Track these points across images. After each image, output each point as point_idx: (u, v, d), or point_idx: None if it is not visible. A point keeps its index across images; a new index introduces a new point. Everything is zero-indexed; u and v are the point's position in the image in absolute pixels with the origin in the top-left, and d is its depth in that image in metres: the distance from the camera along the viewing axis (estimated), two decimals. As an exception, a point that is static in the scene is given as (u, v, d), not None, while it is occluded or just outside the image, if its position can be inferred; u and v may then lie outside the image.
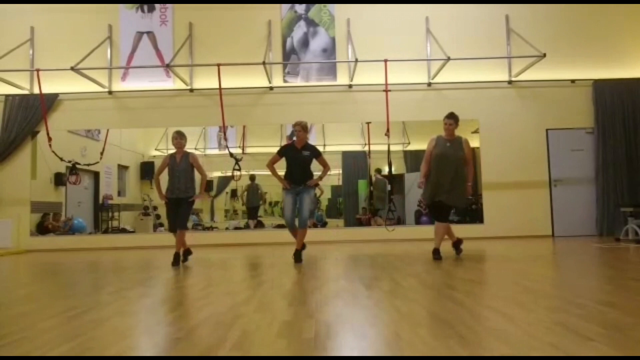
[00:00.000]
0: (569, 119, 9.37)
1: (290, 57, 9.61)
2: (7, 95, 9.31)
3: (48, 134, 8.68)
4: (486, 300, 3.15)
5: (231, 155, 8.09)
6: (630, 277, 3.99)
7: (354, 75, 9.22)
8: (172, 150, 6.03)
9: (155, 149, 11.71)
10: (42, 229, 9.61)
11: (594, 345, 2.04)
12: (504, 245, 7.60)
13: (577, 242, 7.75)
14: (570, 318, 2.52)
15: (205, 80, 9.29)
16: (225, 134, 8.74)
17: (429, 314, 2.69)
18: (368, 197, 10.64)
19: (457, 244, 6.04)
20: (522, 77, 9.30)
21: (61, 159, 8.98)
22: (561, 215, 9.21)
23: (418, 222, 10.20)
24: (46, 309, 3.19)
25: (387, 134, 8.06)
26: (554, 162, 9.33)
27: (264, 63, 8.66)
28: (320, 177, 6.12)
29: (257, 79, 9.26)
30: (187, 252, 6.18)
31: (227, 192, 12.33)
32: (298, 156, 5.82)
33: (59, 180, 10.19)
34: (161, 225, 10.93)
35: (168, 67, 8.89)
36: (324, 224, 11.43)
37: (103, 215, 11.29)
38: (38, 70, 8.68)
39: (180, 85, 9.44)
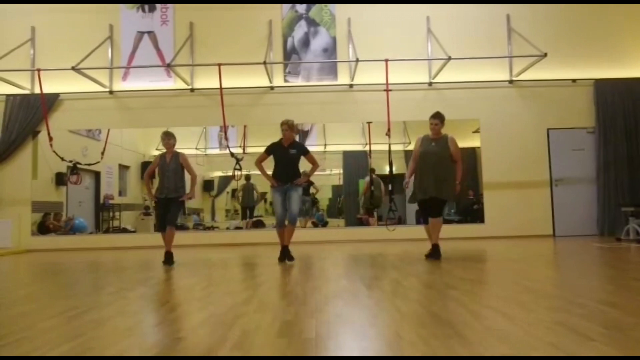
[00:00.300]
0: (569, 118, 9.37)
1: (291, 56, 9.60)
2: (8, 95, 9.32)
3: (49, 133, 8.68)
4: (487, 300, 3.14)
5: (232, 155, 8.09)
6: (631, 276, 3.99)
7: (354, 75, 9.22)
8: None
9: (156, 149, 11.69)
10: (43, 228, 9.62)
11: (595, 345, 2.03)
12: (504, 245, 7.60)
13: (578, 242, 7.74)
14: (571, 318, 2.52)
15: (206, 80, 9.29)
16: (226, 134, 8.73)
17: (429, 314, 2.69)
18: (365, 197, 10.62)
19: (435, 249, 5.66)
20: (523, 76, 9.29)
21: (62, 159, 8.98)
22: (562, 215, 9.20)
23: (419, 222, 10.18)
24: (46, 308, 3.19)
25: (388, 133, 8.05)
26: (554, 162, 9.32)
27: (264, 63, 8.66)
28: (308, 175, 6.12)
29: (257, 79, 9.27)
30: (169, 257, 5.99)
31: (227, 192, 12.32)
32: (285, 154, 5.81)
33: (60, 180, 10.19)
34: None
35: (169, 67, 8.90)
36: (324, 224, 11.43)
37: (104, 215, 11.29)
38: (39, 70, 8.68)
39: (181, 85, 9.44)
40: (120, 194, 11.78)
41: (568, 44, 9.42)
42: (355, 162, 11.17)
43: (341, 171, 11.63)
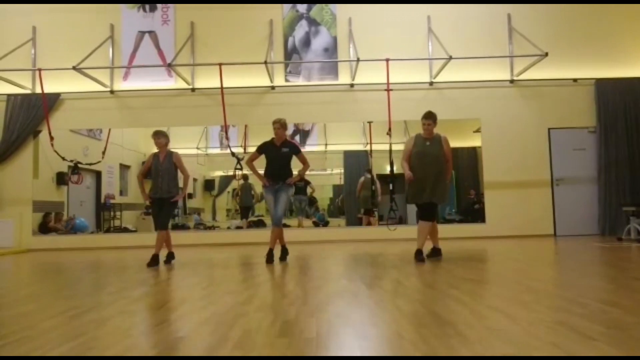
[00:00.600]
0: (571, 118, 9.36)
1: (292, 56, 9.60)
2: (9, 95, 9.33)
3: (50, 133, 8.69)
4: (488, 299, 3.14)
5: (233, 154, 8.09)
6: (632, 276, 3.98)
7: (355, 75, 9.21)
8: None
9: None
10: (44, 228, 9.63)
11: (596, 345, 2.03)
12: (505, 244, 7.59)
13: (579, 242, 7.73)
14: (572, 317, 2.51)
15: (207, 80, 9.29)
16: (227, 134, 8.73)
17: (430, 314, 2.69)
18: (361, 197, 10.62)
19: (436, 252, 5.67)
20: (524, 76, 9.28)
21: (63, 159, 8.99)
22: (563, 214, 9.20)
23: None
24: (47, 308, 3.19)
25: (389, 133, 8.05)
26: (556, 162, 9.31)
27: (265, 62, 8.66)
28: (299, 175, 6.10)
29: (258, 79, 9.26)
30: (170, 256, 6.03)
31: (228, 192, 12.33)
32: (277, 153, 5.78)
33: (61, 179, 10.21)
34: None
35: (170, 67, 8.90)
36: (325, 224, 11.43)
37: (105, 215, 11.30)
38: (40, 70, 8.69)
39: (181, 84, 9.44)
40: (121, 193, 11.79)
41: (569, 43, 9.40)
42: (356, 162, 11.17)
43: (342, 171, 11.63)
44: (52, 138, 8.68)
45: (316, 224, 11.33)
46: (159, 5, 9.67)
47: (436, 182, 5.42)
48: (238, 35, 9.54)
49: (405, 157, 5.62)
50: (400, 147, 10.92)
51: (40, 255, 8.00)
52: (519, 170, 9.26)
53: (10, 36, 9.34)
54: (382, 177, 10.50)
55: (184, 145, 11.36)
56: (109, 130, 10.16)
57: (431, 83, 9.38)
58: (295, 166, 5.99)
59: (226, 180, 12.28)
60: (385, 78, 8.31)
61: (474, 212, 10.15)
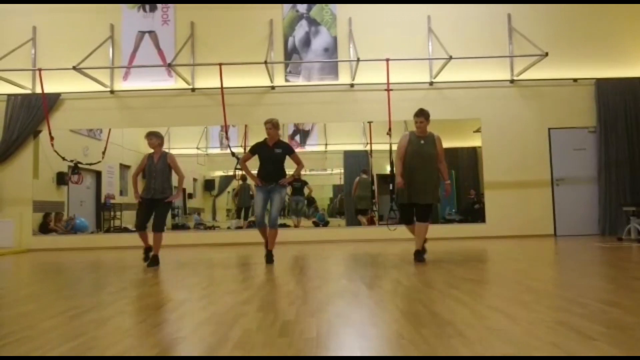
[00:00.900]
0: (571, 118, 9.35)
1: (292, 56, 9.60)
2: (9, 95, 9.33)
3: (50, 133, 8.69)
4: (488, 299, 3.14)
5: (233, 154, 8.09)
6: (632, 276, 3.98)
7: (355, 75, 9.21)
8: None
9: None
10: (44, 229, 9.63)
11: (596, 345, 2.03)
12: (505, 244, 7.59)
13: (579, 242, 7.73)
14: (572, 317, 2.51)
15: (207, 80, 9.29)
16: (227, 134, 8.73)
17: (430, 313, 2.69)
18: (357, 197, 10.62)
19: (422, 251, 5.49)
20: (524, 76, 9.28)
21: (63, 159, 8.99)
22: (563, 214, 9.20)
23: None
24: (47, 308, 3.19)
25: (389, 133, 8.05)
26: (556, 162, 9.31)
27: (265, 62, 8.66)
28: (293, 175, 6.03)
29: (258, 79, 9.26)
30: (155, 260, 5.78)
31: (228, 192, 12.33)
32: (270, 154, 5.71)
33: (61, 179, 10.21)
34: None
35: (170, 67, 8.90)
36: (325, 224, 11.43)
37: (105, 215, 11.30)
38: (40, 70, 8.69)
39: (182, 84, 9.44)
40: (121, 193, 11.79)
41: (569, 43, 9.40)
42: (356, 162, 11.17)
43: (342, 171, 11.63)
44: (52, 138, 8.69)
45: (316, 224, 11.32)
46: (159, 5, 9.67)
47: (428, 183, 5.32)
48: (238, 35, 9.54)
49: (400, 155, 5.48)
50: (401, 147, 10.86)
51: (40, 255, 8.00)
52: (519, 170, 9.26)
53: (10, 36, 9.34)
54: (382, 177, 10.50)
55: (184, 145, 11.36)
56: (109, 130, 10.16)
57: (431, 83, 9.38)
58: (292, 167, 5.94)
59: (226, 180, 12.27)
60: (385, 78, 8.31)
61: (474, 212, 10.15)
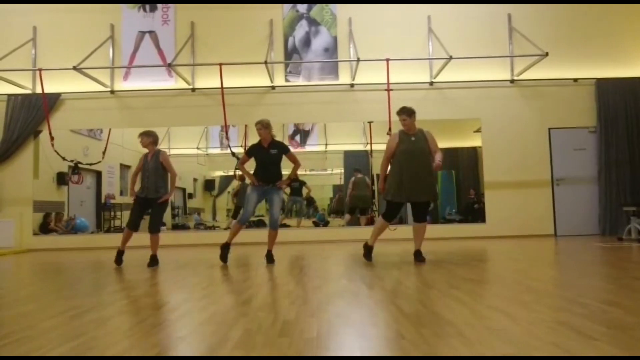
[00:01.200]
0: (571, 118, 9.35)
1: (292, 56, 9.60)
2: (9, 95, 9.33)
3: (50, 133, 8.69)
4: (488, 299, 3.14)
5: (233, 154, 8.09)
6: (633, 276, 3.98)
7: (355, 75, 9.21)
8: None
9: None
10: (45, 229, 9.63)
11: (597, 345, 2.03)
12: (506, 244, 7.59)
13: (579, 242, 7.73)
14: (572, 317, 2.51)
15: (207, 80, 9.29)
16: (227, 134, 8.73)
17: (431, 313, 2.69)
18: (354, 197, 10.62)
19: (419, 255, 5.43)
20: (524, 76, 9.28)
21: (63, 159, 8.99)
22: (563, 214, 9.19)
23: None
24: (48, 308, 3.19)
25: (389, 133, 8.04)
26: (556, 162, 9.31)
27: (265, 62, 8.66)
28: (289, 177, 5.98)
29: (259, 79, 9.27)
30: (154, 260, 5.89)
31: (228, 192, 12.33)
32: (266, 155, 5.64)
33: (61, 179, 10.21)
34: (163, 224, 10.93)
35: (170, 67, 8.90)
36: (325, 224, 11.43)
37: (105, 215, 11.30)
38: (40, 70, 8.69)
39: (182, 84, 9.45)
40: (121, 193, 11.79)
41: (569, 43, 9.40)
42: (356, 162, 11.17)
43: (342, 171, 11.63)
44: (52, 138, 8.69)
45: (316, 224, 11.32)
46: (159, 5, 9.67)
47: (425, 181, 5.22)
48: (238, 35, 9.54)
49: (387, 156, 5.38)
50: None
51: (40, 255, 8.00)
52: (520, 170, 9.26)
53: (10, 36, 9.34)
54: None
55: (184, 145, 11.36)
56: (109, 130, 10.16)
57: (431, 83, 9.38)
58: (290, 166, 5.90)
59: (226, 180, 12.27)
60: (385, 78, 8.30)
61: (474, 212, 10.15)
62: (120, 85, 9.54)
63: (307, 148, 11.04)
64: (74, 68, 8.42)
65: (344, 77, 9.47)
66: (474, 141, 10.12)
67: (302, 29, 9.65)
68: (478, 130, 9.53)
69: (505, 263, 5.24)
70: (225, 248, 5.78)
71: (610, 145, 9.13)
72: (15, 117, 9.28)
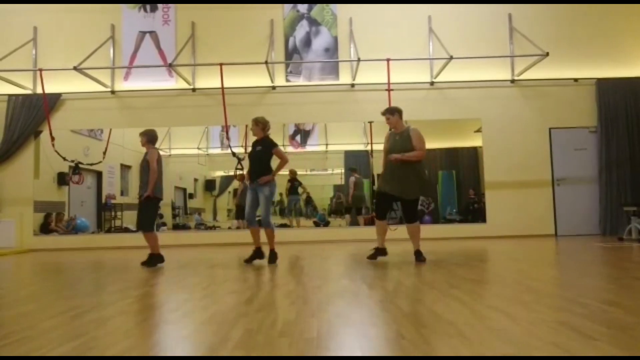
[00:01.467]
0: (572, 118, 9.35)
1: (293, 56, 9.60)
2: (10, 95, 9.33)
3: (51, 133, 8.69)
4: (489, 299, 3.14)
5: (233, 154, 8.09)
6: (633, 276, 3.98)
7: (356, 75, 9.21)
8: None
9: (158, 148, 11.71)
10: (45, 229, 9.64)
11: (597, 345, 2.03)
12: (506, 244, 7.59)
13: (579, 242, 7.72)
14: (573, 317, 2.51)
15: (208, 80, 9.29)
16: (227, 134, 8.73)
17: (431, 313, 2.69)
18: (354, 197, 10.63)
19: (419, 253, 5.46)
20: (524, 76, 9.27)
21: (64, 159, 8.99)
22: (564, 214, 9.19)
23: (421, 221, 10.17)
24: (48, 308, 3.19)
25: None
26: (556, 161, 9.31)
27: (266, 62, 8.66)
28: (274, 173, 5.81)
29: (259, 79, 9.26)
30: (153, 259, 5.86)
31: (229, 192, 12.33)
32: (254, 151, 5.74)
33: (62, 179, 10.22)
34: (164, 224, 10.95)
35: (170, 67, 8.90)
36: (326, 224, 11.43)
37: (106, 215, 11.31)
38: (41, 70, 8.70)
39: (182, 84, 9.45)
40: (122, 193, 11.80)
41: (570, 43, 9.39)
42: (357, 162, 11.18)
43: (342, 171, 11.63)
44: (53, 138, 8.69)
45: (317, 224, 11.32)
46: (159, 5, 9.67)
47: (403, 179, 5.23)
48: (239, 35, 9.55)
49: (383, 155, 5.54)
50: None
51: (41, 256, 8.01)
52: (520, 170, 9.25)
53: (11, 36, 9.35)
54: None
55: (184, 145, 11.37)
56: (110, 130, 10.15)
57: (432, 83, 9.38)
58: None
59: (227, 180, 12.28)
60: (386, 78, 8.29)
61: (474, 212, 10.15)
62: (121, 85, 9.55)
63: (308, 148, 11.04)
64: (75, 68, 8.42)
65: (345, 77, 9.47)
66: (475, 141, 10.12)
67: (302, 29, 9.65)
68: (478, 130, 9.53)
69: (505, 263, 5.24)
70: (257, 253, 5.79)
71: (611, 145, 9.12)
72: (16, 117, 9.29)
